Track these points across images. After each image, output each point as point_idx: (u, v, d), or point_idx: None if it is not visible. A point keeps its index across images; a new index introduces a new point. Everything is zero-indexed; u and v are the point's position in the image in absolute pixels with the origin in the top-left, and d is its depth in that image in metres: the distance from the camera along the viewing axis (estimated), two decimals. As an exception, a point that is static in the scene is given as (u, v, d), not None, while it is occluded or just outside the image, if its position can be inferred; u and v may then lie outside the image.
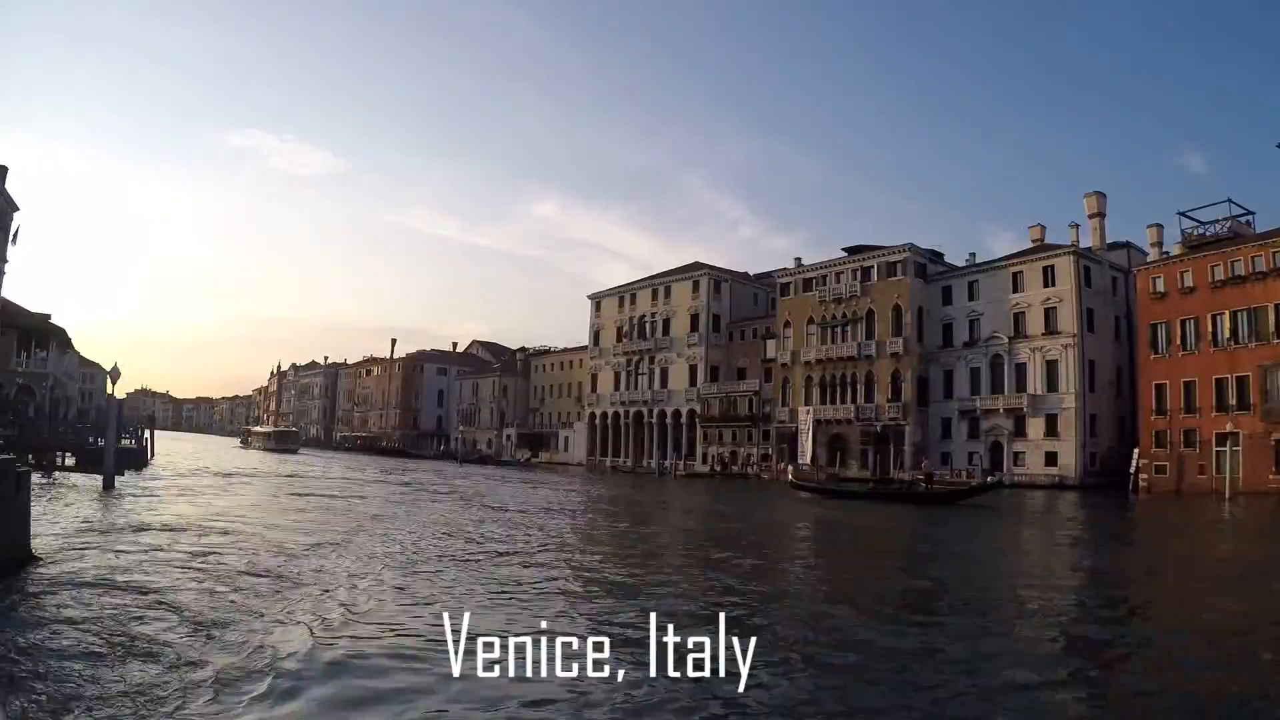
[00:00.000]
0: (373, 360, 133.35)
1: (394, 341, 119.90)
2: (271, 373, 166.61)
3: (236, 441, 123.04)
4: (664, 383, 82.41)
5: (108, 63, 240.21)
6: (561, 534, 23.11)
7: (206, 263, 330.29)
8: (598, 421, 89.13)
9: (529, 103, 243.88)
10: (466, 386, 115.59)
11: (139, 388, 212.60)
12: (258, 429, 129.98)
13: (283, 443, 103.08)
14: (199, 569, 14.04)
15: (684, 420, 79.87)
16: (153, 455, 51.20)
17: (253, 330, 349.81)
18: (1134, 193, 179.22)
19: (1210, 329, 49.15)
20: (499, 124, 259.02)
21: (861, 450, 64.24)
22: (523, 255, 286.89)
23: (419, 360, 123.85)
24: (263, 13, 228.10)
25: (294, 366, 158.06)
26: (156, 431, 60.06)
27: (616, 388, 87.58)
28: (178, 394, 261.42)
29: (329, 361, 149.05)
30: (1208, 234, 52.03)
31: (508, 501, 34.90)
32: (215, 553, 15.86)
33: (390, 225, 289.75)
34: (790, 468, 62.31)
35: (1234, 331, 48.03)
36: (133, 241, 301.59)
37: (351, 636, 9.59)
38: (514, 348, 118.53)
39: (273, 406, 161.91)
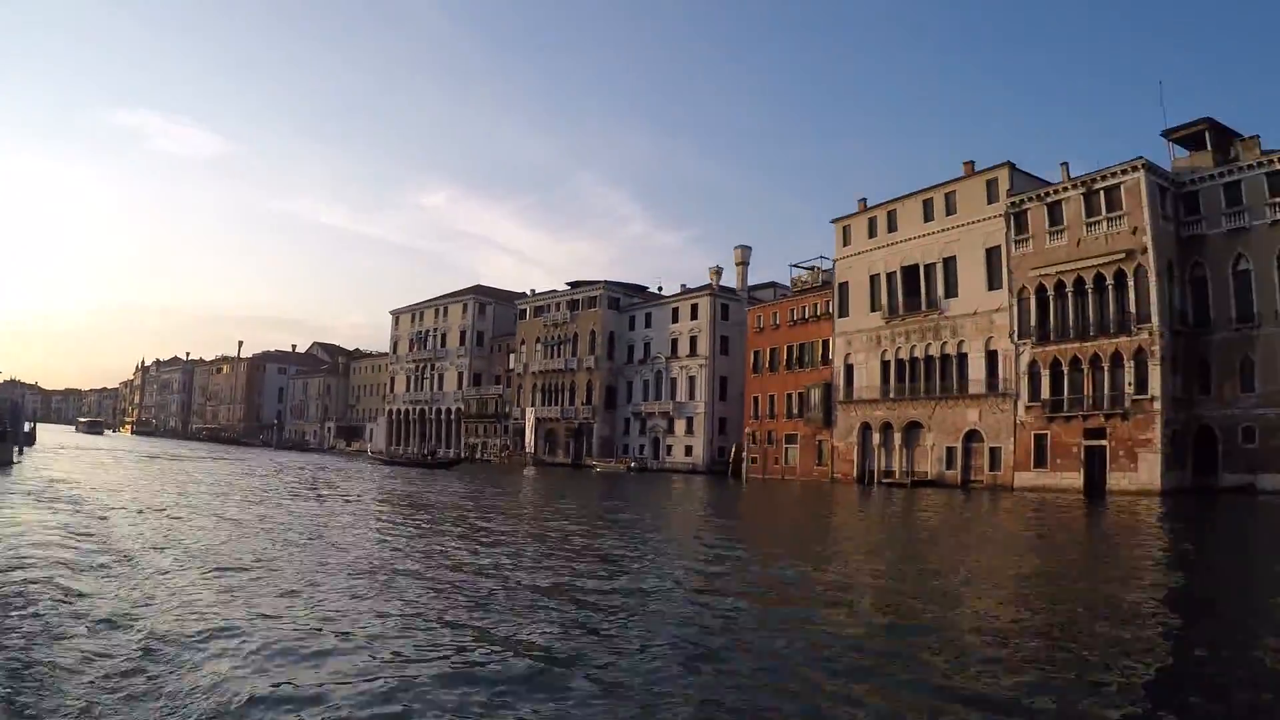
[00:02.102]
0: (224, 359, 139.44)
1: (240, 344, 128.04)
2: (136, 367, 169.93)
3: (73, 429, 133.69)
4: (440, 386, 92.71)
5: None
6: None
7: (82, 248, 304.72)
8: (394, 417, 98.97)
9: (426, 91, 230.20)
10: (299, 385, 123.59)
11: (7, 378, 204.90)
12: (81, 419, 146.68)
13: (93, 428, 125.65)
14: None
15: (453, 417, 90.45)
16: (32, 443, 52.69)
17: (130, 320, 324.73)
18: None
19: (785, 357, 62.09)
20: (393, 112, 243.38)
21: (565, 441, 75.93)
22: (410, 246, 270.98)
23: (262, 360, 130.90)
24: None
25: (157, 362, 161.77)
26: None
27: (408, 389, 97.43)
28: (47, 385, 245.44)
29: (191, 357, 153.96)
30: (806, 283, 65.09)
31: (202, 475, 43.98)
32: None
33: (276, 213, 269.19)
34: (368, 446, 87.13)
35: (797, 360, 61.07)
36: (4, 223, 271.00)
37: None
38: (351, 349, 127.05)
39: (137, 399, 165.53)
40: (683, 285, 73.59)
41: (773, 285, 74.89)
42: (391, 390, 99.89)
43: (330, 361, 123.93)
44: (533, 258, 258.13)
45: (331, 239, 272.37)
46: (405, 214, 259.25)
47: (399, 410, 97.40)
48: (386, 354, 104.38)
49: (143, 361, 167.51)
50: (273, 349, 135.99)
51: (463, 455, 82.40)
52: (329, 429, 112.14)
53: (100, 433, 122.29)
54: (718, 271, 75.63)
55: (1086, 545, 21.69)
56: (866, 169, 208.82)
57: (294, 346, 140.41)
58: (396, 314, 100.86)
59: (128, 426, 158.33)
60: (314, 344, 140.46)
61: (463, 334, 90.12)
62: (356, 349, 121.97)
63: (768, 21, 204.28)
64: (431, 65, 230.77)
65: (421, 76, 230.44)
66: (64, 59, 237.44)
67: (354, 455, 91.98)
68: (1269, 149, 40.13)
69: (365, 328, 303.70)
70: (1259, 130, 62.77)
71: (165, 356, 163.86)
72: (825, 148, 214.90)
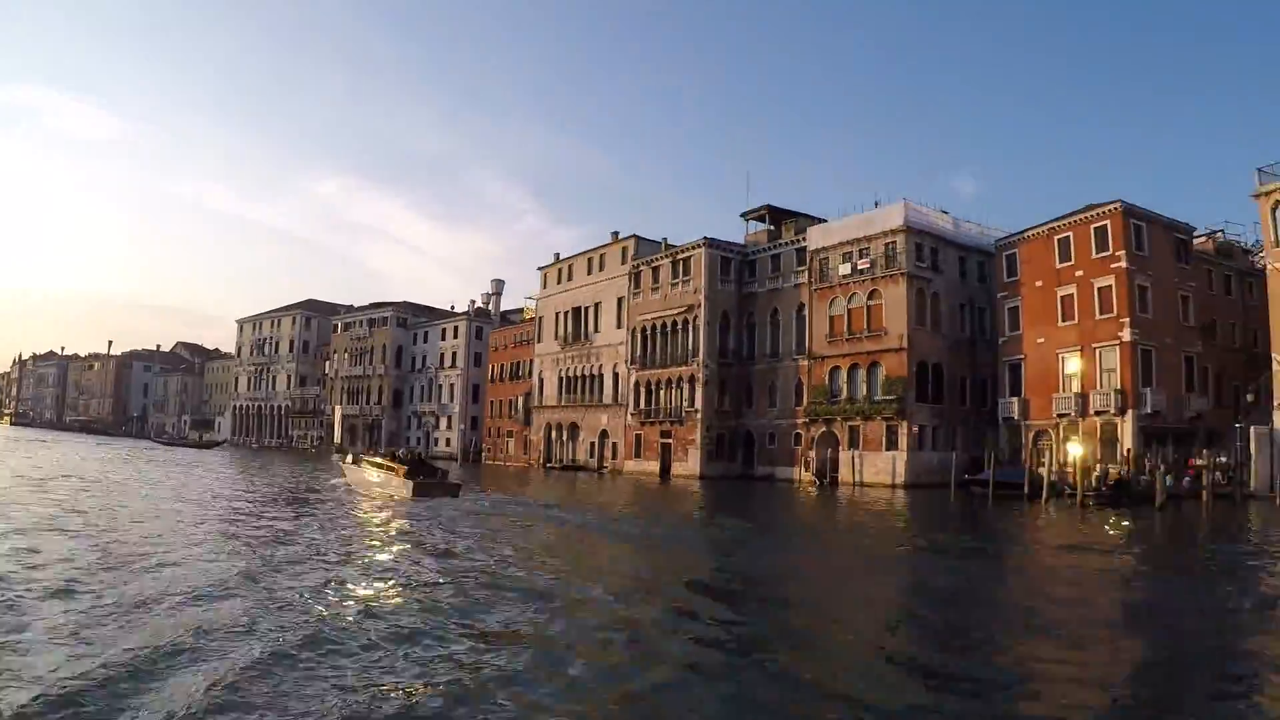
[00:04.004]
0: (95, 356, 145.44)
1: (110, 343, 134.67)
2: (14, 361, 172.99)
3: None
4: (274, 386, 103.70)
5: None
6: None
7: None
8: (238, 412, 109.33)
9: (324, 77, 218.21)
10: (161, 382, 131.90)
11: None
12: None
13: None
14: None
15: (283, 413, 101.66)
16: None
17: (12, 308, 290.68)
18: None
19: (509, 372, 76.03)
20: (290, 96, 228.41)
21: (364, 434, 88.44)
22: (299, 235, 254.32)
23: (130, 359, 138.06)
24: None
25: (34, 356, 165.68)
26: None
27: (249, 388, 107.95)
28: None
29: (67, 351, 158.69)
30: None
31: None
32: None
33: (168, 196, 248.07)
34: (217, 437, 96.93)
35: (514, 374, 75.06)
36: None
37: None
38: (211, 348, 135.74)
39: (15, 392, 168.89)
40: (462, 302, 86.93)
41: (521, 310, 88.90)
42: (236, 389, 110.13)
43: (189, 361, 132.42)
44: (427, 251, 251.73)
45: (220, 225, 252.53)
46: (297, 201, 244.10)
47: (242, 406, 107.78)
48: (230, 356, 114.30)
49: (20, 356, 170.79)
50: (142, 347, 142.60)
51: (289, 444, 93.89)
52: (185, 421, 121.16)
53: None
54: (487, 297, 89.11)
55: (644, 501, 35.53)
56: (768, 169, 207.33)
57: (158, 346, 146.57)
58: (241, 323, 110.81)
59: (7, 418, 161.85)
60: (178, 343, 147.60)
61: (292, 343, 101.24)
62: (216, 349, 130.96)
63: (681, 20, 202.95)
64: (331, 49, 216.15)
65: (320, 60, 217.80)
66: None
67: (204, 446, 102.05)
68: (822, 219, 53.86)
69: (250, 316, 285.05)
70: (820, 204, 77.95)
71: (43, 346, 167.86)
72: (725, 148, 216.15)
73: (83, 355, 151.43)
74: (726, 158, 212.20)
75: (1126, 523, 26.36)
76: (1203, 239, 48.74)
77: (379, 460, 32.54)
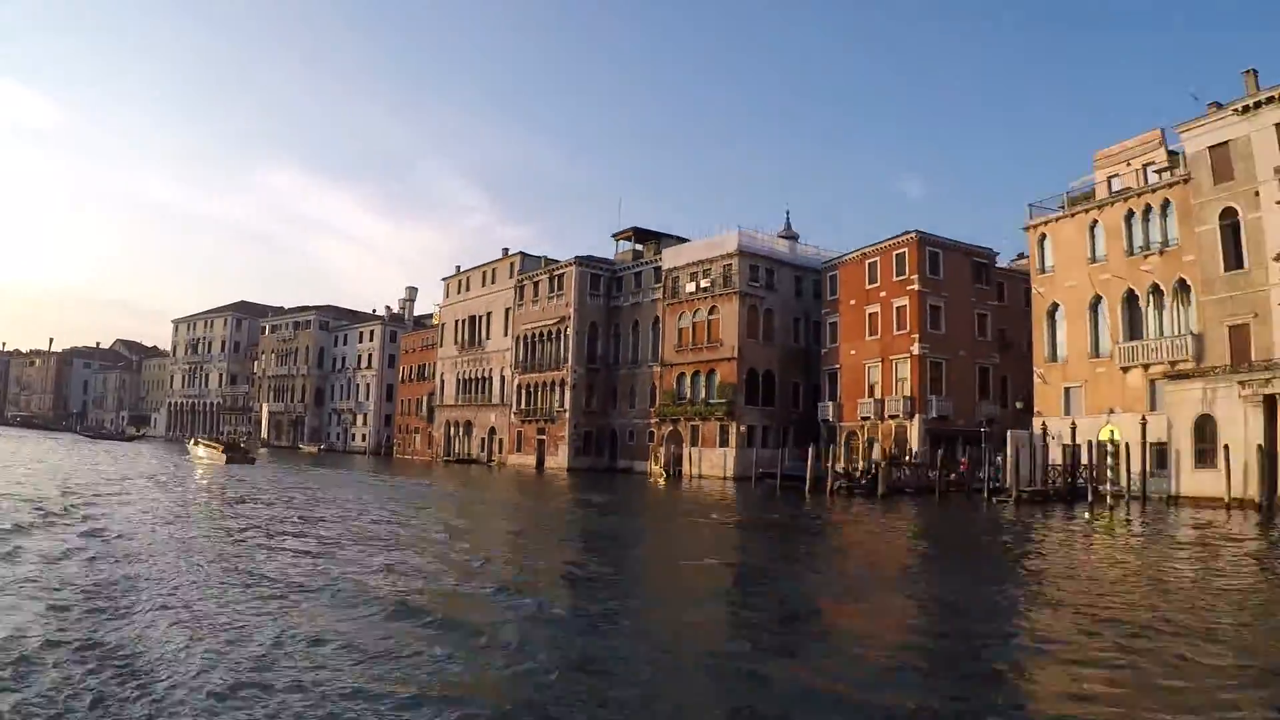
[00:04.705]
0: (36, 353, 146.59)
1: (51, 339, 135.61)
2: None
3: None
4: (207, 384, 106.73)
5: None
6: None
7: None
8: (173, 409, 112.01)
9: (280, 66, 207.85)
10: (100, 379, 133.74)
11: None
12: None
13: None
14: None
15: (215, 409, 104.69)
16: None
17: None
18: (864, 211, 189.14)
19: (416, 373, 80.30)
20: (240, 87, 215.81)
21: (288, 430, 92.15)
22: (247, 227, 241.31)
23: (71, 356, 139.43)
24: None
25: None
26: None
27: (183, 386, 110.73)
28: None
29: (7, 348, 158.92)
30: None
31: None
32: None
33: (114, 187, 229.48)
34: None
35: (419, 375, 79.28)
36: None
37: None
38: (150, 345, 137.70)
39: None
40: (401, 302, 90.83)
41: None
42: (171, 386, 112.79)
43: (128, 358, 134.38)
44: (375, 245, 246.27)
45: (166, 218, 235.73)
46: (246, 195, 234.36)
47: (177, 403, 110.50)
48: (166, 354, 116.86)
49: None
50: (83, 344, 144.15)
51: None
52: (123, 417, 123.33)
53: None
54: (403, 303, 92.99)
55: (514, 491, 40.05)
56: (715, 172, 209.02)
57: (98, 344, 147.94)
58: (176, 323, 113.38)
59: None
60: (117, 341, 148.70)
61: (224, 343, 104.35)
62: (155, 346, 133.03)
63: (635, 21, 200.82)
64: (286, 37, 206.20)
65: (273, 47, 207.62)
66: None
67: (127, 439, 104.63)
68: (685, 239, 58.57)
69: (195, 311, 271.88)
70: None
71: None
72: (660, 150, 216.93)
73: (24, 351, 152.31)
74: (658, 163, 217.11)
75: (856, 509, 31.34)
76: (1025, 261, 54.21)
77: (208, 442, 52.24)
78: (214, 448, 49.30)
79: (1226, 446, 30.43)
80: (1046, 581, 14.57)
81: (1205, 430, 32.55)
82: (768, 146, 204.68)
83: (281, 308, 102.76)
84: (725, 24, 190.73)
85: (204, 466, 43.85)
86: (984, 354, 48.73)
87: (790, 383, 53.06)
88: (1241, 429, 30.74)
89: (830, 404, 49.87)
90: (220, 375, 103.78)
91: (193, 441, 54.86)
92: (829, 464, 42.19)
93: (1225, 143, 34.28)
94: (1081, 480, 34.05)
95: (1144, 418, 34.50)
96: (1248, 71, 34.24)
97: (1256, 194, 32.81)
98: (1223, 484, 29.71)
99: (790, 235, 68.76)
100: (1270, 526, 24.35)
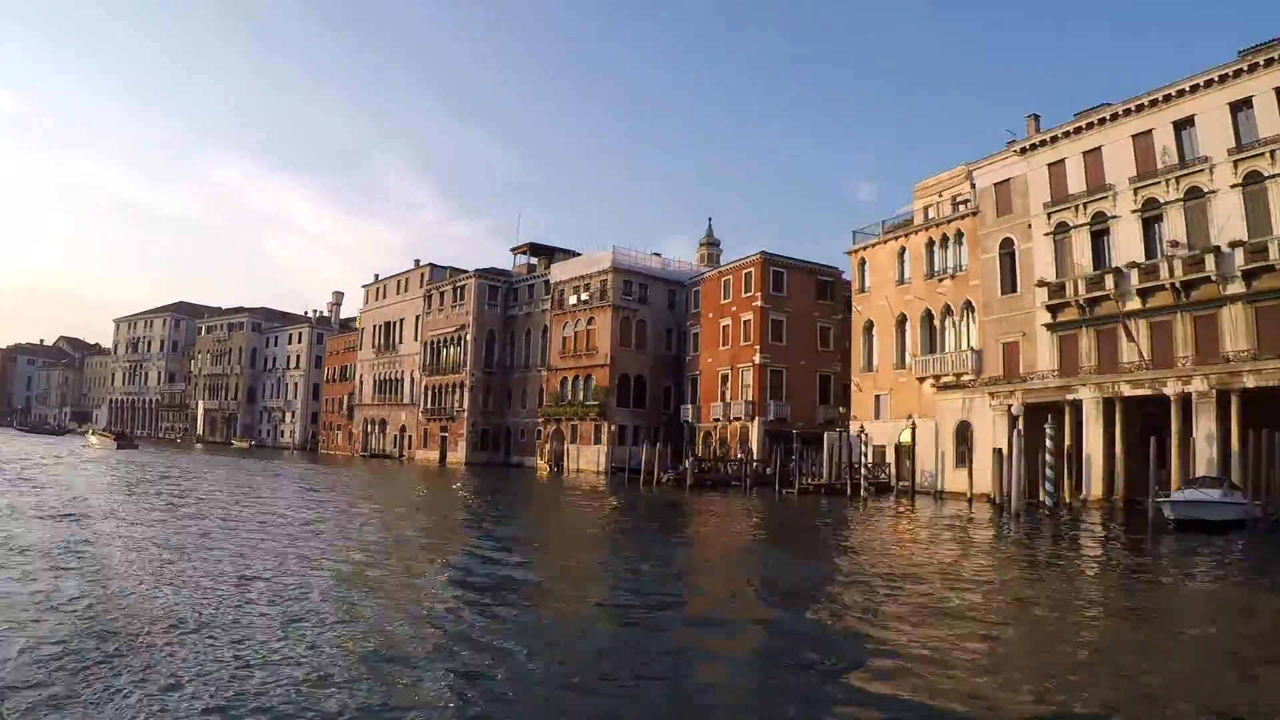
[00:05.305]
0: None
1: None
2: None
3: None
4: (146, 382, 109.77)
5: None
6: None
7: None
8: (114, 405, 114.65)
9: (231, 56, 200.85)
10: (44, 375, 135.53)
11: None
12: None
13: None
14: None
15: (154, 406, 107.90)
16: None
17: None
18: (821, 212, 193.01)
19: (340, 374, 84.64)
20: (190, 77, 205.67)
21: (222, 426, 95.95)
22: (198, 222, 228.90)
23: (14, 353, 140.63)
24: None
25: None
26: None
27: (124, 383, 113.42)
28: None
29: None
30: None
31: None
32: None
33: (56, 177, 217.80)
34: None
35: (342, 375, 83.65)
36: None
37: None
38: (93, 342, 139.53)
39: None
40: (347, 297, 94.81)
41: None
42: (113, 384, 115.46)
43: (71, 355, 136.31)
44: (325, 240, 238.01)
45: (111, 210, 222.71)
46: (195, 185, 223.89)
47: (118, 400, 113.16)
48: (107, 352, 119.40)
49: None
50: (26, 340, 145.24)
51: (157, 435, 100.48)
52: (66, 414, 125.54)
53: None
54: (331, 306, 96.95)
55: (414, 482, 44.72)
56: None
57: (41, 341, 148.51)
58: (118, 322, 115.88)
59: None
60: (60, 338, 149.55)
61: (163, 342, 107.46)
62: (96, 344, 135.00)
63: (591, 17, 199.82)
64: (239, 28, 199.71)
65: (226, 38, 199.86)
66: None
67: (58, 433, 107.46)
68: (577, 253, 63.87)
69: (139, 308, 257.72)
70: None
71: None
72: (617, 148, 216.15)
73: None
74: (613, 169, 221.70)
75: (669, 497, 36.69)
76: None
77: (100, 431, 67.73)
78: (106, 436, 66.10)
79: (971, 448, 35.97)
80: (707, 537, 19.98)
81: (965, 434, 38.03)
82: (719, 148, 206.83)
83: (219, 308, 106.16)
84: (678, 28, 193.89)
85: (96, 449, 58.24)
86: (825, 363, 54.17)
87: (662, 386, 58.50)
88: (990, 434, 36.09)
89: (691, 406, 55.37)
90: (159, 373, 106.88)
91: (90, 432, 73.82)
92: (685, 459, 47.45)
93: (1007, 180, 39.62)
94: (859, 477, 39.65)
95: (914, 422, 40.46)
96: (1031, 116, 39.37)
97: (1029, 226, 37.93)
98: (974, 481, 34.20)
99: (712, 242, 75.02)
100: (979, 519, 30.03)
